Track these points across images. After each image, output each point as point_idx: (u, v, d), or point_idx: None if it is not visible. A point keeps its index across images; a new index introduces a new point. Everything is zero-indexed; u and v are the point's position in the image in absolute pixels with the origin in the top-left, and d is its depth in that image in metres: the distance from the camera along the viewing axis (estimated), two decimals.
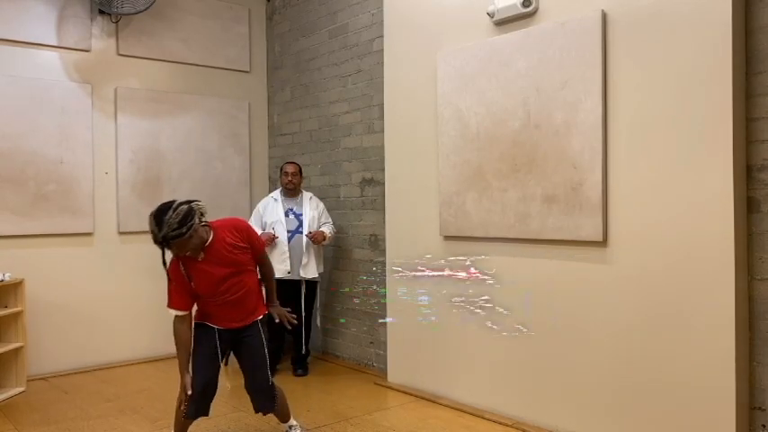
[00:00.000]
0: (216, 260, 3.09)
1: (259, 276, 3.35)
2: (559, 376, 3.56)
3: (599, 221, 3.33)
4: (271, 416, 3.89)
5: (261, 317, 3.31)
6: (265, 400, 3.28)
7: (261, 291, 3.36)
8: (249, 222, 3.46)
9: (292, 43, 5.84)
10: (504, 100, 3.74)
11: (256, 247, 3.27)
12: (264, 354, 3.27)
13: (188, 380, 3.13)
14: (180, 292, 3.12)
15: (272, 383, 3.30)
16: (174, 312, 3.14)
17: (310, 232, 4.80)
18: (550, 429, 3.59)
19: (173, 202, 2.98)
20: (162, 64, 5.55)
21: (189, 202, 2.99)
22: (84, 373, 5.01)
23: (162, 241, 2.89)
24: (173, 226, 2.86)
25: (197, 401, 3.16)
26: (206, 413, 3.24)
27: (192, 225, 2.91)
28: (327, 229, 4.90)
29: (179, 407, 3.21)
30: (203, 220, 3.03)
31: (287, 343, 5.07)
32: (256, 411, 3.34)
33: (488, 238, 3.89)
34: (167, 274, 3.11)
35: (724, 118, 2.89)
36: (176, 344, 3.17)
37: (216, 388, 3.25)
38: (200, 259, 3.08)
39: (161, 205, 2.96)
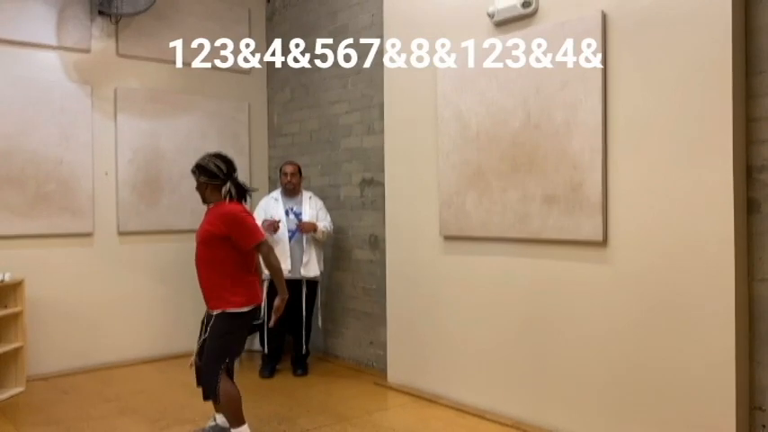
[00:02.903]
0: (203, 223, 3.40)
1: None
2: (559, 376, 3.56)
3: (599, 221, 3.33)
4: (274, 417, 3.91)
5: (220, 311, 3.25)
6: (206, 390, 3.30)
7: (229, 285, 3.26)
8: (252, 216, 3.46)
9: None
10: (504, 100, 3.74)
11: (239, 240, 3.26)
12: (211, 353, 3.25)
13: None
14: None
15: (215, 387, 3.21)
16: None
17: (302, 222, 4.81)
18: (550, 429, 3.59)
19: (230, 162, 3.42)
20: (162, 64, 5.55)
21: (243, 185, 3.41)
22: (84, 373, 5.00)
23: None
24: (204, 159, 3.38)
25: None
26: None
27: (205, 175, 3.33)
28: (322, 225, 4.90)
29: None
30: (230, 191, 3.33)
31: (287, 343, 5.07)
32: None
33: (488, 238, 3.89)
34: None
35: (724, 118, 2.90)
36: None
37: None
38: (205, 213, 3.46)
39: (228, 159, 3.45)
